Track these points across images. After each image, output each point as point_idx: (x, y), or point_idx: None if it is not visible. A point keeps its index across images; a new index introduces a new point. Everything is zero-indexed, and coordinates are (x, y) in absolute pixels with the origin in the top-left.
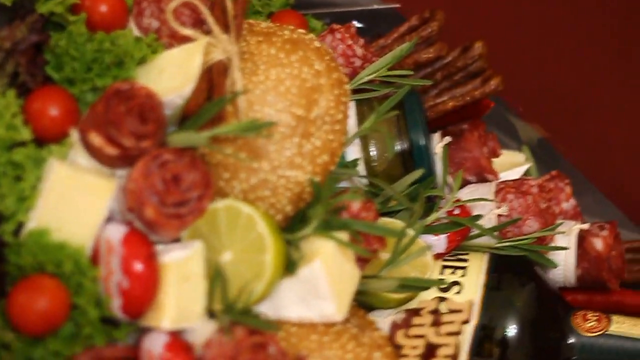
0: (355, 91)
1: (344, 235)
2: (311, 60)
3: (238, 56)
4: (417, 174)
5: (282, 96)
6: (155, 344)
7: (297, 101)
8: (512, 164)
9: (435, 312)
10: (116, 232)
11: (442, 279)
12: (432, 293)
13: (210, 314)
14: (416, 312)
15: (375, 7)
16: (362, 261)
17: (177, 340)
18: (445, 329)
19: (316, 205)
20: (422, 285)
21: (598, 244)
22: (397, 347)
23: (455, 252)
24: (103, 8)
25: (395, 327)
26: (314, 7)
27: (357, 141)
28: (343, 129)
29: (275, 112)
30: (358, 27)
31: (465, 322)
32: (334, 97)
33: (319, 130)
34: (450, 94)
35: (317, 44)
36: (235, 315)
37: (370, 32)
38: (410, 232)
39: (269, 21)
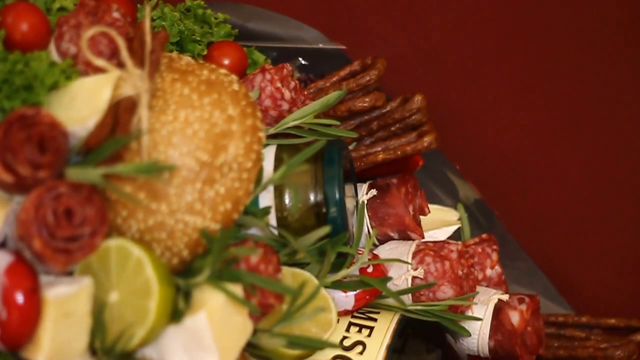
0: (281, 135)
1: (237, 288)
2: (225, 105)
3: (148, 93)
4: (325, 230)
5: (188, 139)
6: None
7: (204, 146)
8: (443, 222)
9: None
10: (1, 261)
11: (331, 342)
12: (334, 351)
13: (94, 352)
14: None
15: (321, 46)
16: (256, 314)
17: None
18: None
19: (208, 255)
20: (313, 345)
21: (514, 317)
22: None
23: (367, 309)
24: (24, 27)
25: None
26: (259, 39)
27: (270, 188)
28: (251, 177)
29: (179, 155)
30: (302, 64)
31: None
32: (244, 144)
33: (224, 177)
34: (384, 145)
35: (235, 87)
36: (113, 358)
37: (315, 69)
38: (311, 288)
39: (204, 52)
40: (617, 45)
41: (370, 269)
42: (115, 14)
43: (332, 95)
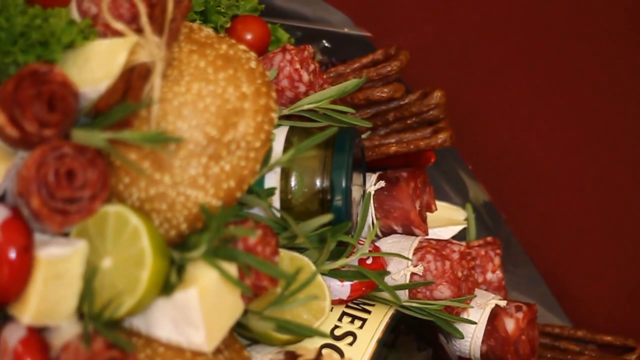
0: (295, 117)
1: (231, 267)
2: (240, 82)
3: (164, 62)
4: (327, 218)
5: (198, 113)
6: (12, 335)
7: (214, 121)
8: (450, 221)
9: None
10: None
11: (320, 330)
12: (323, 339)
13: (82, 316)
14: (294, 357)
15: (347, 30)
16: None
17: (34, 336)
18: None
19: (205, 231)
20: (302, 332)
21: (509, 324)
22: None
23: (362, 300)
24: None
25: None
26: (285, 17)
27: (277, 169)
28: (258, 157)
29: (187, 128)
30: (326, 47)
31: None
32: (255, 123)
33: (230, 154)
34: (398, 138)
35: (252, 64)
36: (99, 325)
37: (337, 54)
38: (308, 274)
39: (228, 24)
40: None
41: (369, 261)
42: None
43: (351, 83)
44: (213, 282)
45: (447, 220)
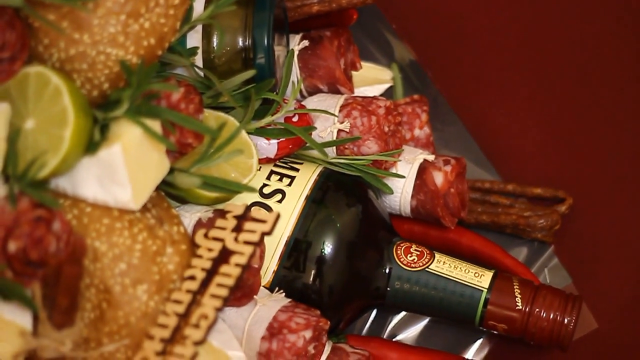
0: None
1: (155, 124)
2: None
3: None
4: (250, 73)
5: None
6: None
7: None
8: (376, 80)
9: (241, 217)
10: None
11: (248, 186)
12: (252, 197)
13: (7, 178)
14: (222, 214)
15: None
16: (174, 152)
17: None
18: (244, 237)
19: (127, 87)
20: (228, 187)
21: (438, 177)
22: (195, 246)
23: (290, 159)
24: None
25: (199, 225)
26: None
27: (199, 28)
28: (178, 15)
29: None
30: None
31: (266, 233)
32: None
33: (149, 12)
34: None
35: None
36: (24, 185)
37: None
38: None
39: None
40: None
41: (295, 119)
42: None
43: None
44: (137, 138)
45: (373, 80)
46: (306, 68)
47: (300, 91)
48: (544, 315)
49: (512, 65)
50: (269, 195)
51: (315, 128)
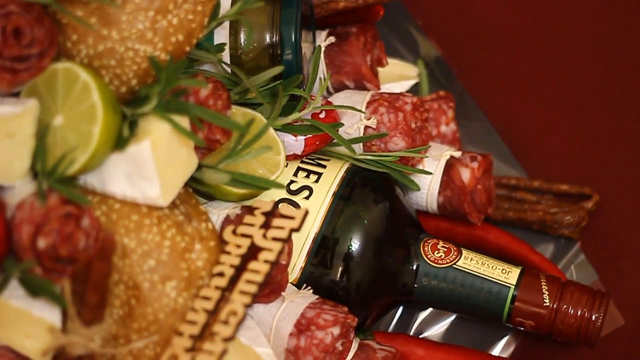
0: None
1: (184, 120)
2: None
3: None
4: (278, 70)
5: None
6: None
7: None
8: (401, 76)
9: (269, 214)
10: None
11: (276, 182)
12: (280, 194)
13: (36, 174)
14: (250, 210)
15: None
16: (202, 149)
17: None
18: (272, 233)
19: (155, 84)
20: (257, 184)
21: (465, 174)
22: (223, 243)
23: (317, 155)
24: None
25: (227, 222)
26: None
27: (226, 25)
28: (206, 11)
29: None
30: None
31: (294, 230)
32: None
33: (177, 8)
34: None
35: None
36: (53, 181)
37: None
38: (260, 126)
39: None
40: None
41: (322, 115)
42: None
43: None
44: (165, 134)
45: (398, 76)
46: (333, 64)
47: (327, 88)
48: (572, 312)
49: (538, 61)
50: (296, 192)
51: (343, 124)
